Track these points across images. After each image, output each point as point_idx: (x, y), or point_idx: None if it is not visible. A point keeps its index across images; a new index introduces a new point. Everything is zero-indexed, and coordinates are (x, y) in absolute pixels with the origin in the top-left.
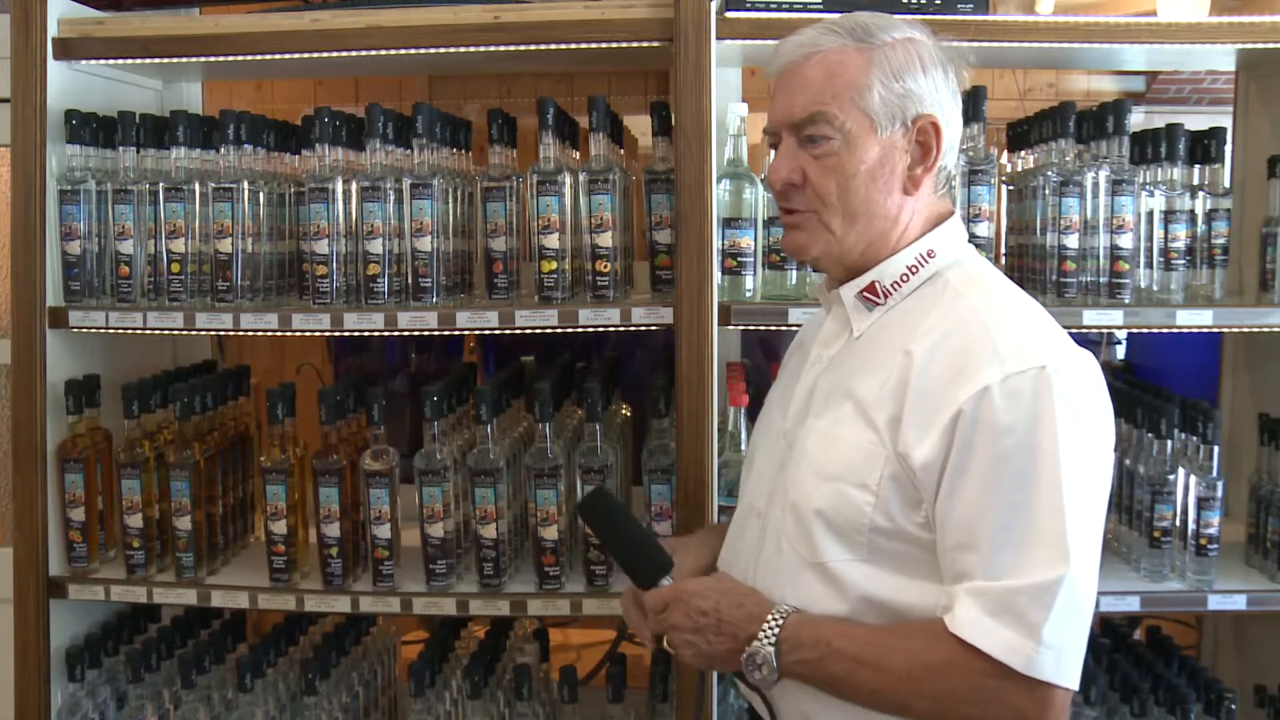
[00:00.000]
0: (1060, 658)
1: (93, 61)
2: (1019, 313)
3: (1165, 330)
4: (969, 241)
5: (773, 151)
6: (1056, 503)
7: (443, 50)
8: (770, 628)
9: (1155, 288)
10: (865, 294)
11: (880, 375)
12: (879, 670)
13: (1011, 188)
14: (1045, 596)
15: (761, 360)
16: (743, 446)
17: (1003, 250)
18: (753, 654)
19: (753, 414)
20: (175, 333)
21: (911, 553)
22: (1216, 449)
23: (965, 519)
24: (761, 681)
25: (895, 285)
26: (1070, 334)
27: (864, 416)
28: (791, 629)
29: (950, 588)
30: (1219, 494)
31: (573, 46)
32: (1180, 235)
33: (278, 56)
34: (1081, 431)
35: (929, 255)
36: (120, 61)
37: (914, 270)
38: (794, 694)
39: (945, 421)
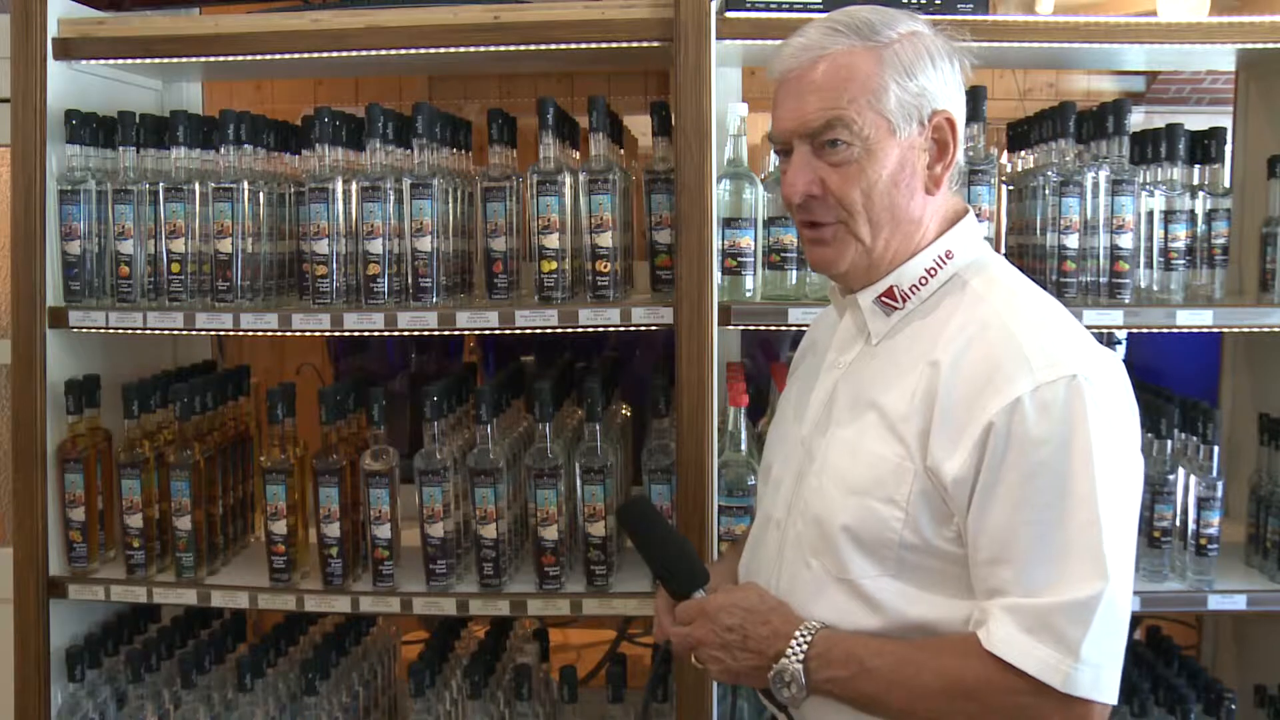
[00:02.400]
0: (1099, 674)
1: (93, 61)
2: (1044, 317)
3: (1165, 330)
4: (984, 241)
5: (774, 155)
6: (1092, 516)
7: (443, 50)
8: (799, 645)
9: (1155, 288)
10: (883, 299)
11: (905, 386)
12: (912, 689)
13: (1011, 188)
14: (1084, 613)
15: (761, 360)
16: (743, 446)
17: (1003, 250)
18: (780, 671)
19: (753, 414)
20: (175, 333)
21: (941, 567)
22: (1216, 449)
23: (999, 534)
24: (790, 700)
25: (914, 289)
26: None
27: (890, 429)
28: (821, 646)
29: (984, 603)
30: (1219, 494)
31: (573, 46)
32: (1180, 235)
33: (278, 56)
34: (1114, 440)
35: (947, 256)
36: (120, 61)
37: (932, 273)
38: (820, 711)
39: (976, 435)
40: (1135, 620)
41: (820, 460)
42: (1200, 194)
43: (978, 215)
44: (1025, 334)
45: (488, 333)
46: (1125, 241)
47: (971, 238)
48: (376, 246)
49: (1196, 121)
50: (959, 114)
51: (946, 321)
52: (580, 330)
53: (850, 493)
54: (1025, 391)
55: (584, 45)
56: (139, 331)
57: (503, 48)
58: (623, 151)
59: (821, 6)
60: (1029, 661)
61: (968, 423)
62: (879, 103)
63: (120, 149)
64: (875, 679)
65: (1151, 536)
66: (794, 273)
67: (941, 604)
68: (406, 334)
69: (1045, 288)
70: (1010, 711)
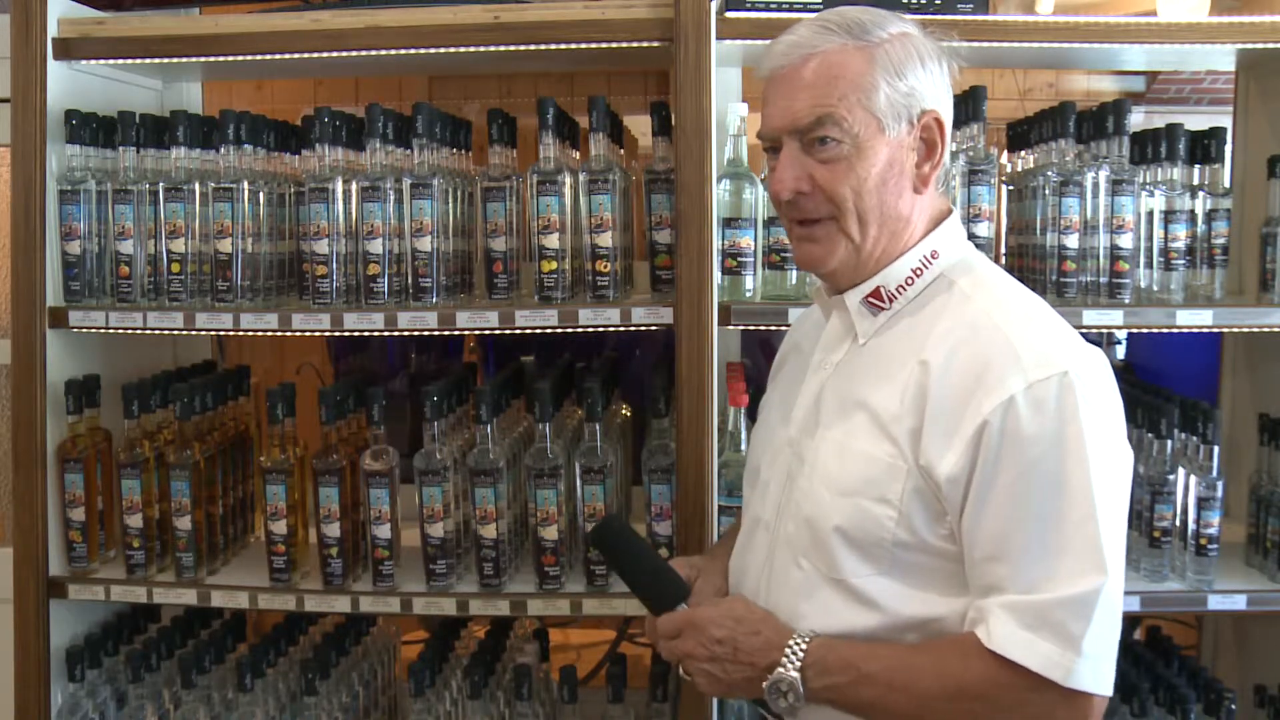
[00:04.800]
0: (1098, 666)
1: (93, 61)
2: (1032, 316)
3: (1165, 330)
4: (968, 240)
5: (769, 156)
6: (1089, 510)
7: (443, 50)
8: (794, 654)
9: (1155, 288)
10: (870, 299)
11: (895, 385)
12: (912, 693)
13: (1011, 188)
14: (1084, 608)
15: (761, 360)
16: (743, 446)
17: (1003, 250)
18: (777, 681)
19: (753, 414)
20: (175, 333)
21: (935, 564)
22: (1216, 449)
23: (995, 531)
24: (786, 709)
25: (900, 289)
26: None
27: (881, 429)
28: (816, 654)
29: (980, 601)
30: (1219, 494)
31: (573, 46)
32: (1180, 235)
33: (278, 56)
34: (1106, 435)
35: (932, 256)
36: (120, 61)
37: (918, 273)
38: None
39: (970, 433)
40: (1135, 620)
41: (810, 462)
42: (1200, 194)
43: (978, 215)
44: (1015, 333)
45: (488, 333)
46: (1125, 241)
47: (956, 238)
48: (376, 246)
49: (1196, 121)
50: (947, 114)
51: (935, 321)
52: (580, 330)
53: (841, 494)
54: (1018, 390)
55: (584, 45)
56: (139, 331)
57: (503, 48)
58: (623, 151)
59: (821, 6)
60: (1032, 658)
61: (960, 421)
62: (869, 101)
63: (120, 149)
64: (874, 683)
65: (1151, 536)
66: (794, 273)
67: (936, 601)
68: (406, 334)
69: (1045, 287)
70: (1014, 709)
